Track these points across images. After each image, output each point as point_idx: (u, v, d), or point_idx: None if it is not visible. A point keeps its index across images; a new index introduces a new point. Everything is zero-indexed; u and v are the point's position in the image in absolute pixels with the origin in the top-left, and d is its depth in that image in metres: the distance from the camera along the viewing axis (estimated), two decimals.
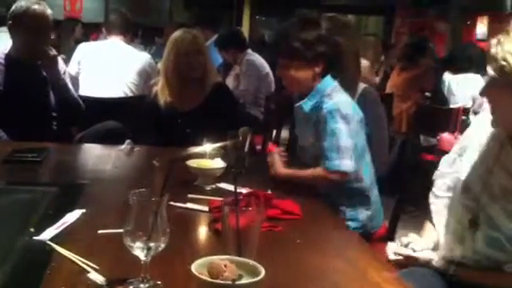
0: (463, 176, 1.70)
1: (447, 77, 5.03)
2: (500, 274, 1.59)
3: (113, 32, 4.03)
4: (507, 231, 1.56)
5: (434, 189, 1.88)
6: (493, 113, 1.59)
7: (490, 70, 1.53)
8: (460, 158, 1.78)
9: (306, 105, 2.27)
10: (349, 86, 2.48)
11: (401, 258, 1.70)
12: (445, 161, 1.87)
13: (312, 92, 2.26)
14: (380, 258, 1.60)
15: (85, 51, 3.93)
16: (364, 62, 6.09)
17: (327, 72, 2.30)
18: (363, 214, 2.30)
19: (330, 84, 2.27)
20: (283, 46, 2.31)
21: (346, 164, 2.16)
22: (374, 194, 2.35)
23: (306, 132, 2.33)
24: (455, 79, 4.95)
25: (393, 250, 1.73)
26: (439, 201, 1.84)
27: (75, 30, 6.88)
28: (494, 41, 1.55)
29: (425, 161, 2.59)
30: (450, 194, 1.79)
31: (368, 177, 2.32)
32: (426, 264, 1.69)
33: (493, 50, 1.52)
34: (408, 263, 1.70)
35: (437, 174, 1.88)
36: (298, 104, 2.32)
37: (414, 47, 5.48)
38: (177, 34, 3.06)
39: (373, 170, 2.35)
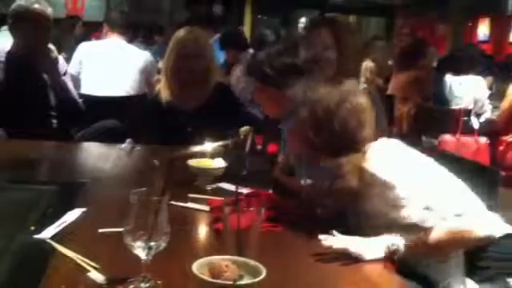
0: None
1: (449, 78, 5.03)
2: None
3: (113, 31, 4.01)
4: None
5: None
6: None
7: None
8: None
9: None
10: None
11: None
12: None
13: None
14: (381, 260, 1.59)
15: (86, 50, 3.92)
16: (369, 65, 6.14)
17: None
18: None
19: None
20: (256, 69, 2.30)
21: None
22: None
23: None
24: (457, 80, 4.95)
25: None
26: None
27: (75, 28, 6.86)
28: None
29: None
30: None
31: None
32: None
33: None
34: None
35: None
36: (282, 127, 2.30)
37: (412, 50, 5.48)
38: (180, 33, 3.04)
39: None
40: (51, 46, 3.15)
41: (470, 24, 9.84)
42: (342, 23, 2.75)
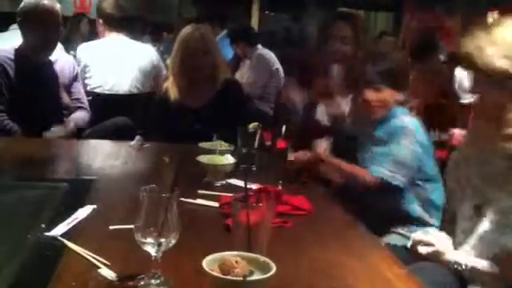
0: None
1: (458, 72, 4.99)
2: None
3: (113, 28, 3.87)
4: (506, 209, 1.57)
5: None
6: None
7: None
8: None
9: (380, 129, 2.28)
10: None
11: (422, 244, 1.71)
12: None
13: (387, 115, 2.28)
14: (391, 255, 1.59)
15: (87, 52, 3.82)
16: None
17: None
18: None
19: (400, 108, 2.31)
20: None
21: (397, 178, 2.16)
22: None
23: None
24: (466, 75, 4.91)
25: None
26: None
27: (80, 26, 6.81)
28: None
29: (436, 157, 2.58)
30: None
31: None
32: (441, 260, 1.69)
33: None
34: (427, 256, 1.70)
35: None
36: (365, 131, 2.33)
37: (422, 44, 5.45)
38: (186, 30, 3.04)
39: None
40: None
41: (479, 18, 9.79)
42: (360, 18, 2.79)
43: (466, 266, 1.63)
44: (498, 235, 1.60)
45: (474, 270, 1.63)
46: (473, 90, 1.67)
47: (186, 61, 2.96)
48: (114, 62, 3.77)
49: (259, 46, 5.42)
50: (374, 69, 2.26)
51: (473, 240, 1.67)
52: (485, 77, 1.58)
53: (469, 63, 1.60)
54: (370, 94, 2.27)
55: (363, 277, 1.42)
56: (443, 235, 1.77)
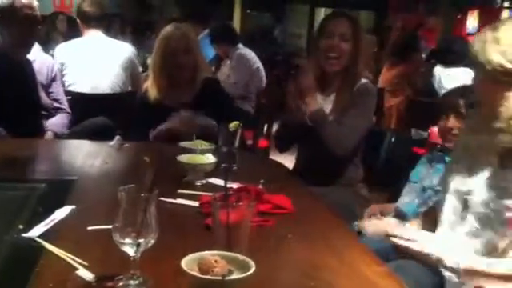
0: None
1: (438, 70, 5.04)
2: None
3: (90, 25, 3.83)
4: (496, 208, 1.58)
5: None
6: None
7: None
8: None
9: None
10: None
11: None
12: None
13: None
14: (370, 252, 1.60)
15: (66, 52, 3.79)
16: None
17: None
18: None
19: None
20: None
21: None
22: None
23: None
24: (446, 73, 4.96)
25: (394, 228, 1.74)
26: None
27: (57, 24, 6.73)
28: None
29: (416, 154, 2.60)
30: None
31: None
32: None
33: None
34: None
35: None
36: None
37: (404, 43, 5.50)
38: (167, 29, 3.03)
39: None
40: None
41: (459, 17, 9.85)
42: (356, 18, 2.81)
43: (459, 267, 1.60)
44: (482, 231, 1.61)
45: (470, 271, 1.59)
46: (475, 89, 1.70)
47: (166, 60, 2.95)
48: (93, 61, 3.74)
49: (240, 46, 5.41)
50: (464, 101, 2.26)
51: (458, 234, 1.68)
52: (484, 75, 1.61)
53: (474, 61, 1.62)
54: (457, 123, 2.26)
55: (343, 275, 1.42)
56: (425, 233, 1.78)
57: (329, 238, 1.67)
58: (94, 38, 3.82)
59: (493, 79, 1.58)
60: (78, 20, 3.92)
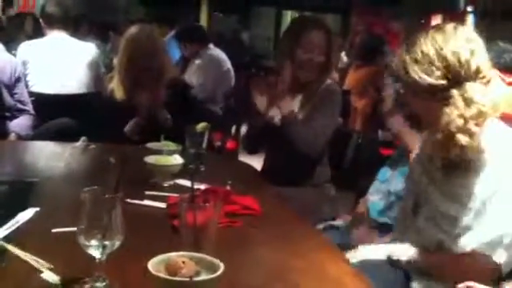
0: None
1: None
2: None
3: (54, 26, 3.75)
4: (443, 210, 1.62)
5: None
6: None
7: None
8: None
9: None
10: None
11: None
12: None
13: None
14: (337, 252, 1.61)
15: (27, 50, 3.69)
16: None
17: None
18: None
19: None
20: None
21: None
22: None
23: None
24: None
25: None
26: None
27: (25, 25, 6.62)
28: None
29: (383, 155, 2.63)
30: None
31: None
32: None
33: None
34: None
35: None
36: None
37: (369, 46, 5.55)
38: (132, 31, 2.99)
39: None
40: None
41: (422, 21, 10.02)
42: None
43: (399, 257, 1.68)
44: (434, 232, 1.65)
45: (407, 261, 1.67)
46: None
47: (132, 61, 2.92)
48: (57, 62, 3.67)
49: (211, 46, 5.37)
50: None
51: (410, 235, 1.72)
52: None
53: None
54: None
55: (311, 276, 1.42)
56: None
57: (296, 239, 1.68)
58: (57, 39, 3.75)
59: (413, 93, 1.64)
60: (41, 21, 3.85)
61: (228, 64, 5.36)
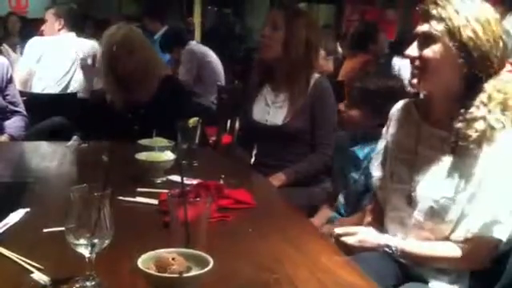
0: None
1: (396, 61, 5.08)
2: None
3: (65, 26, 3.88)
4: (439, 200, 1.62)
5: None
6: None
7: None
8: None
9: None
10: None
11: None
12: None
13: None
14: (331, 243, 1.60)
15: (42, 46, 3.77)
16: (321, 53, 6.18)
17: None
18: None
19: None
20: None
21: None
22: None
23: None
24: (405, 63, 5.00)
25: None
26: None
27: (8, 25, 6.62)
28: None
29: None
30: None
31: None
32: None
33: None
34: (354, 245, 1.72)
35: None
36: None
37: (362, 34, 5.52)
38: (107, 32, 2.92)
39: None
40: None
41: (417, 8, 10.01)
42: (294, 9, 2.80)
43: (396, 248, 1.67)
44: (433, 224, 1.64)
45: (404, 252, 1.66)
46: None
47: (111, 63, 2.87)
48: (61, 61, 3.73)
49: (192, 42, 5.40)
50: None
51: (407, 230, 1.71)
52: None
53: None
54: None
55: (304, 267, 1.41)
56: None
57: (289, 232, 1.66)
58: (67, 39, 3.88)
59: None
60: (53, 20, 3.87)
61: (210, 57, 5.33)
